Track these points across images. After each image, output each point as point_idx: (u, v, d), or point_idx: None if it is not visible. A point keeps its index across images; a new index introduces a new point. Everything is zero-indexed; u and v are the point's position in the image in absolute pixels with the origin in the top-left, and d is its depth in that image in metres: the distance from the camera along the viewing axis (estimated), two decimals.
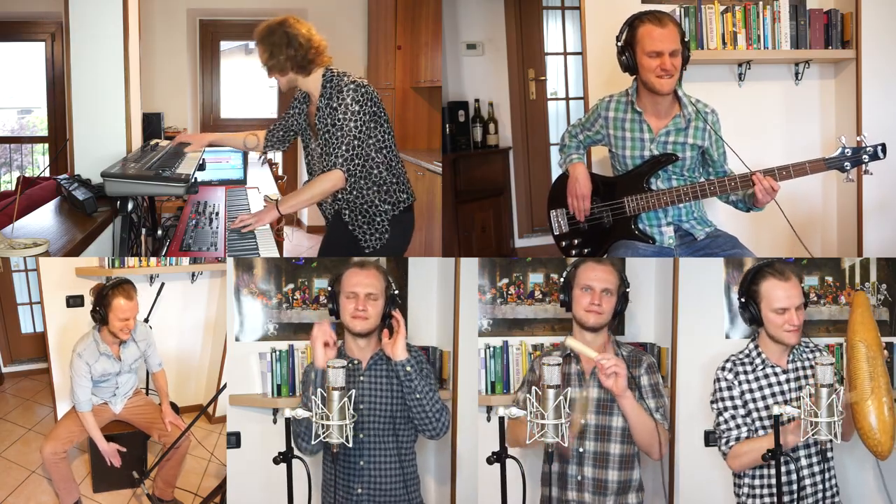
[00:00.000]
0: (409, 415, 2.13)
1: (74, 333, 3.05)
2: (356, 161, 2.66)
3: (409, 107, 5.65)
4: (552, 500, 2.17)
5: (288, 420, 1.96)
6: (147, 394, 3.19)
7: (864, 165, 2.34)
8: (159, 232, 3.29)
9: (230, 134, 3.35)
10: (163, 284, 3.45)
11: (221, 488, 2.68)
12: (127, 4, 3.11)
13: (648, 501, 2.24)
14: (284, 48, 2.64)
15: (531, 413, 1.85)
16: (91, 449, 3.04)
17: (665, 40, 2.34)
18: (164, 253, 3.09)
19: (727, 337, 2.42)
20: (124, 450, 2.89)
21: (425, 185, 4.51)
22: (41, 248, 2.04)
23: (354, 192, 2.74)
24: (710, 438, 2.37)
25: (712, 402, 2.13)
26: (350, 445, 1.94)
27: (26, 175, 5.73)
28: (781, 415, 1.86)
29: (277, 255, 2.60)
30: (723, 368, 2.13)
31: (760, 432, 2.07)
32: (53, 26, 6.30)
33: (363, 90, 2.65)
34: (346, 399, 1.89)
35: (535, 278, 2.56)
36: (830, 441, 1.84)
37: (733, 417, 2.09)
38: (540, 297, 2.56)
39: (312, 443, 1.95)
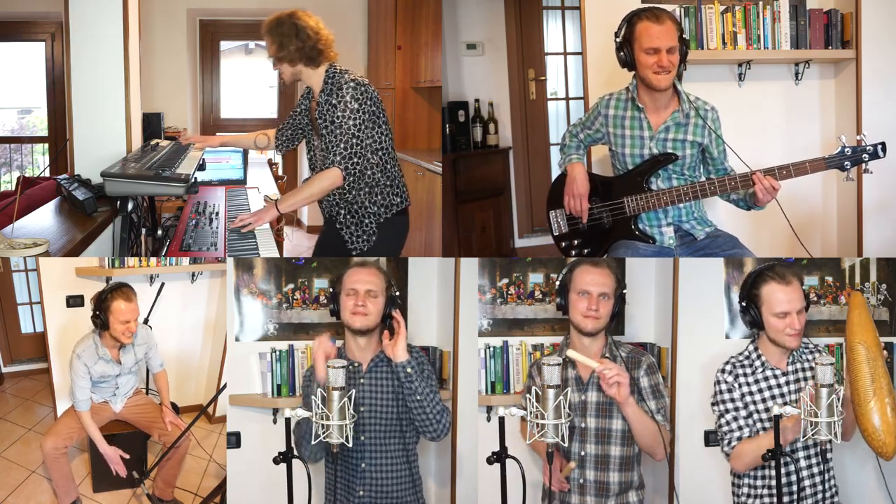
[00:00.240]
0: (410, 416, 2.13)
1: (74, 333, 3.05)
2: (355, 159, 2.66)
3: (409, 107, 5.65)
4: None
5: (288, 420, 1.96)
6: (147, 393, 3.19)
7: (864, 164, 2.34)
8: (159, 232, 3.29)
9: (240, 135, 3.36)
10: (163, 284, 3.45)
11: (221, 488, 2.68)
12: (127, 4, 3.11)
13: (649, 500, 2.24)
14: (294, 39, 2.66)
15: (531, 413, 1.85)
16: (91, 449, 3.04)
17: (662, 37, 2.34)
18: (164, 253, 3.09)
19: (727, 337, 2.42)
20: (128, 456, 2.89)
21: (425, 185, 4.51)
22: (41, 248, 2.04)
23: (351, 193, 2.74)
24: (710, 438, 2.37)
25: (713, 405, 2.13)
26: (350, 446, 1.94)
27: (26, 175, 5.73)
28: (781, 415, 1.85)
29: (277, 255, 2.60)
30: (722, 371, 2.13)
31: (762, 433, 2.07)
32: (53, 26, 6.30)
33: (363, 89, 2.65)
34: (346, 399, 1.89)
35: (535, 278, 2.56)
36: (830, 441, 1.84)
37: (735, 419, 2.08)
38: (540, 297, 2.56)
39: (312, 443, 1.95)
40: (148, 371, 3.17)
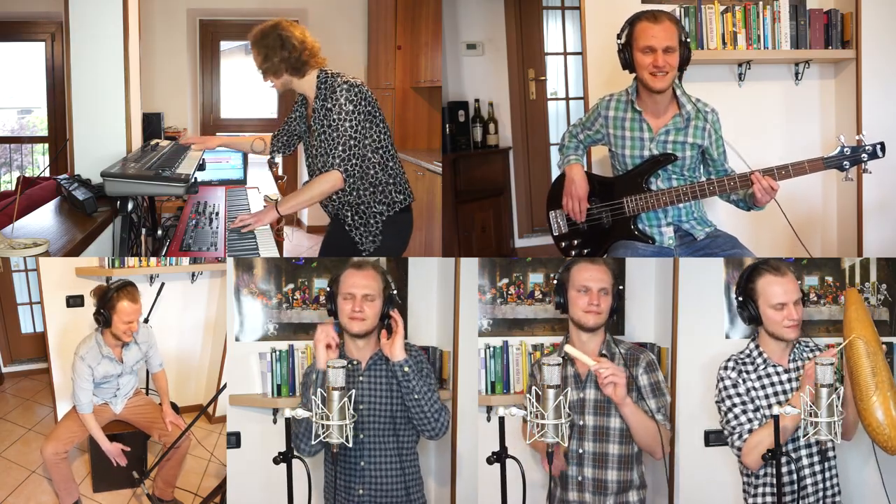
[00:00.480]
0: (408, 415, 2.13)
1: (74, 333, 3.05)
2: (353, 161, 2.66)
3: (409, 107, 5.66)
4: (554, 501, 2.17)
5: (288, 420, 1.96)
6: (147, 394, 3.19)
7: (863, 164, 2.34)
8: (159, 232, 3.29)
9: (238, 137, 3.36)
10: (163, 284, 3.45)
11: (221, 488, 2.68)
12: (127, 4, 3.12)
13: (650, 499, 2.24)
14: (279, 50, 2.65)
15: (531, 413, 1.85)
16: (91, 449, 3.04)
17: (658, 36, 2.34)
18: (164, 253, 3.09)
19: (727, 337, 2.42)
20: (128, 449, 2.89)
21: (425, 185, 4.51)
22: (41, 248, 2.04)
23: (354, 194, 2.74)
24: (711, 438, 2.37)
25: (718, 402, 2.13)
26: (350, 446, 1.94)
27: (26, 175, 5.74)
28: (781, 415, 1.85)
29: (277, 255, 2.60)
30: (725, 367, 2.13)
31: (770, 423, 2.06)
32: (53, 26, 6.30)
33: (356, 90, 2.65)
34: (346, 399, 1.89)
35: (535, 278, 2.56)
36: (831, 441, 1.84)
37: (744, 412, 2.06)
38: (540, 297, 2.56)
39: (312, 443, 1.95)
40: (147, 371, 3.17)
